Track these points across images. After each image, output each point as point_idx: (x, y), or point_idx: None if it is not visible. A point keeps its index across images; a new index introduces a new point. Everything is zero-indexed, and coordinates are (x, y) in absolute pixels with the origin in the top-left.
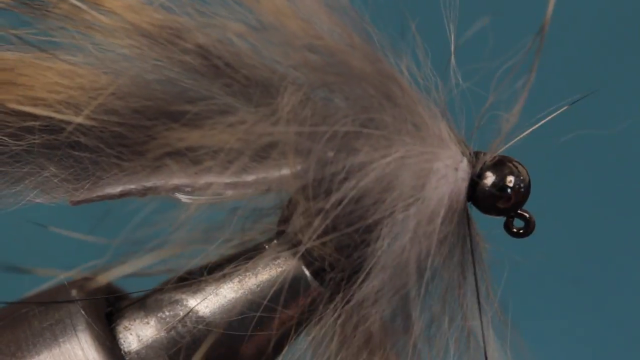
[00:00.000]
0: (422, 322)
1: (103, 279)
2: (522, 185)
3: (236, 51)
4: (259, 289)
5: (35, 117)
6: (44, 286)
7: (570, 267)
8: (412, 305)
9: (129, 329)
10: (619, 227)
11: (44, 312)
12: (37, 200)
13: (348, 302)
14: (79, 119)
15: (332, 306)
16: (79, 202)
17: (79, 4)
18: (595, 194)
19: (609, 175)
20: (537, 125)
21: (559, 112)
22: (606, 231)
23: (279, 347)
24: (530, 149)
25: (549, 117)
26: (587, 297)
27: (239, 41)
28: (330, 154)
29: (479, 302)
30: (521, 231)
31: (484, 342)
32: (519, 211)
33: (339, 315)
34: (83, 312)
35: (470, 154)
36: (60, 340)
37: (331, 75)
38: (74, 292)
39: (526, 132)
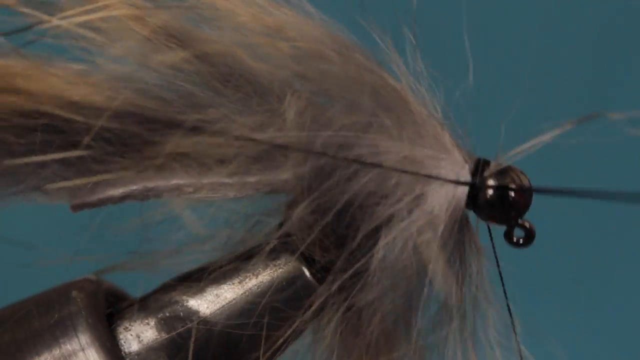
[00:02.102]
0: (424, 329)
1: None
2: (523, 195)
3: (236, 59)
4: (259, 289)
5: (39, 115)
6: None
7: (571, 268)
8: (413, 311)
9: (130, 330)
10: (619, 229)
11: (44, 313)
12: (39, 201)
13: (349, 304)
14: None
15: (333, 308)
16: (79, 207)
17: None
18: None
19: (610, 180)
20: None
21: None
22: (607, 235)
23: (279, 347)
24: (534, 159)
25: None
26: (588, 297)
27: (239, 50)
28: (330, 158)
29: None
30: (521, 241)
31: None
32: (519, 221)
33: (340, 318)
34: (83, 313)
35: (473, 161)
36: (61, 341)
37: (328, 83)
38: (74, 293)
39: (531, 142)
